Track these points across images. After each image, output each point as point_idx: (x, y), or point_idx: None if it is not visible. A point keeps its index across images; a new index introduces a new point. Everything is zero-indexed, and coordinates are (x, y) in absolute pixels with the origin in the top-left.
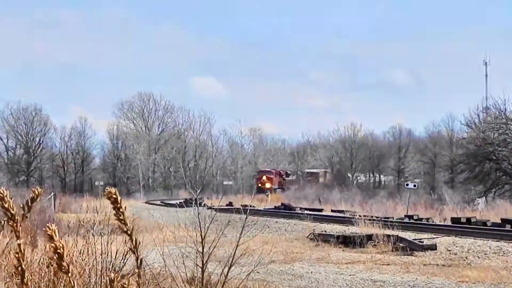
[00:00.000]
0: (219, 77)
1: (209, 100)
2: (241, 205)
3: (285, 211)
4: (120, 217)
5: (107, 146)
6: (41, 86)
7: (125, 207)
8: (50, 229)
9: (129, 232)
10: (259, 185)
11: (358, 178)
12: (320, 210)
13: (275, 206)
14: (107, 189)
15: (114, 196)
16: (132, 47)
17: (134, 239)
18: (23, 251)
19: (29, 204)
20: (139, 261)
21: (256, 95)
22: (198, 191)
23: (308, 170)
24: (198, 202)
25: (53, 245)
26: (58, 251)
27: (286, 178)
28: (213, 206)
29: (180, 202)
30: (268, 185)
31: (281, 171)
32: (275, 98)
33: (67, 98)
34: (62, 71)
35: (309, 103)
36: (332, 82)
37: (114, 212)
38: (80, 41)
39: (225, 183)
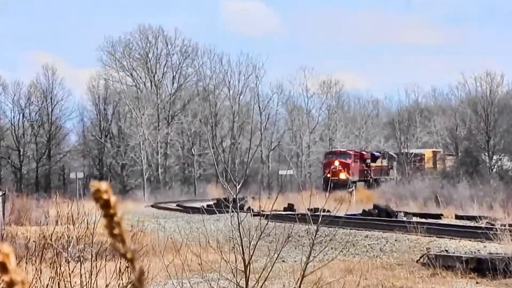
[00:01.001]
0: (271, 1)
1: (254, 38)
2: (307, 209)
3: (380, 218)
4: (115, 232)
5: (89, 114)
6: None
7: (123, 214)
8: (1, 253)
9: (129, 255)
10: (329, 175)
11: (500, 163)
12: (438, 217)
13: (363, 210)
14: (92, 185)
15: (105, 196)
16: None
17: (137, 267)
18: None
19: None
20: None
21: (329, 29)
22: (238, 187)
23: (414, 151)
24: (238, 204)
25: (7, 279)
26: None
27: (373, 164)
28: (263, 210)
29: (208, 205)
30: (343, 176)
31: (364, 153)
32: (361, 33)
33: (24, 38)
34: None
35: (417, 41)
36: (454, 8)
37: (105, 222)
38: None
39: (281, 172)
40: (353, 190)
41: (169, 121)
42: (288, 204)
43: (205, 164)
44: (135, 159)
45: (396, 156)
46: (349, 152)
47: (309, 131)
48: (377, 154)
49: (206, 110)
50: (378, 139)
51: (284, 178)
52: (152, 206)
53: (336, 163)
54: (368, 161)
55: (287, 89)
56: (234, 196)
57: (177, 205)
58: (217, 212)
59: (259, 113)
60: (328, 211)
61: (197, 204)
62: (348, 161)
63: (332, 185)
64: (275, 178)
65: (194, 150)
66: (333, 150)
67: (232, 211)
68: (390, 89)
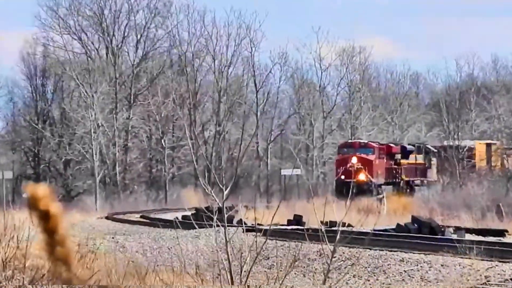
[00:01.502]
0: None
1: None
2: (321, 223)
3: (422, 235)
4: (57, 252)
5: (21, 92)
6: None
7: (68, 229)
8: None
9: (75, 283)
10: (344, 177)
11: None
12: (501, 233)
13: (397, 225)
14: (26, 189)
15: (44, 204)
16: None
17: None
18: None
19: None
20: None
21: None
22: (225, 192)
23: (462, 143)
24: (225, 216)
25: None
26: None
27: (404, 161)
28: (259, 224)
29: (184, 217)
30: (363, 176)
31: (393, 146)
32: None
33: None
34: None
35: None
36: None
37: (44, 240)
38: None
39: (285, 172)
40: (383, 197)
41: (131, 102)
42: (295, 215)
43: (180, 160)
44: (84, 153)
45: (436, 151)
46: (372, 144)
47: (323, 116)
48: (409, 147)
49: (182, 87)
50: (418, 127)
51: (289, 180)
52: (107, 217)
53: (354, 159)
54: (398, 157)
55: (293, 59)
56: (220, 205)
57: (141, 217)
58: (196, 226)
59: (255, 91)
60: (350, 225)
61: (168, 215)
62: (371, 156)
63: (359, 191)
64: (277, 180)
65: (165, 142)
66: (349, 141)
67: (218, 225)
68: (435, 60)
